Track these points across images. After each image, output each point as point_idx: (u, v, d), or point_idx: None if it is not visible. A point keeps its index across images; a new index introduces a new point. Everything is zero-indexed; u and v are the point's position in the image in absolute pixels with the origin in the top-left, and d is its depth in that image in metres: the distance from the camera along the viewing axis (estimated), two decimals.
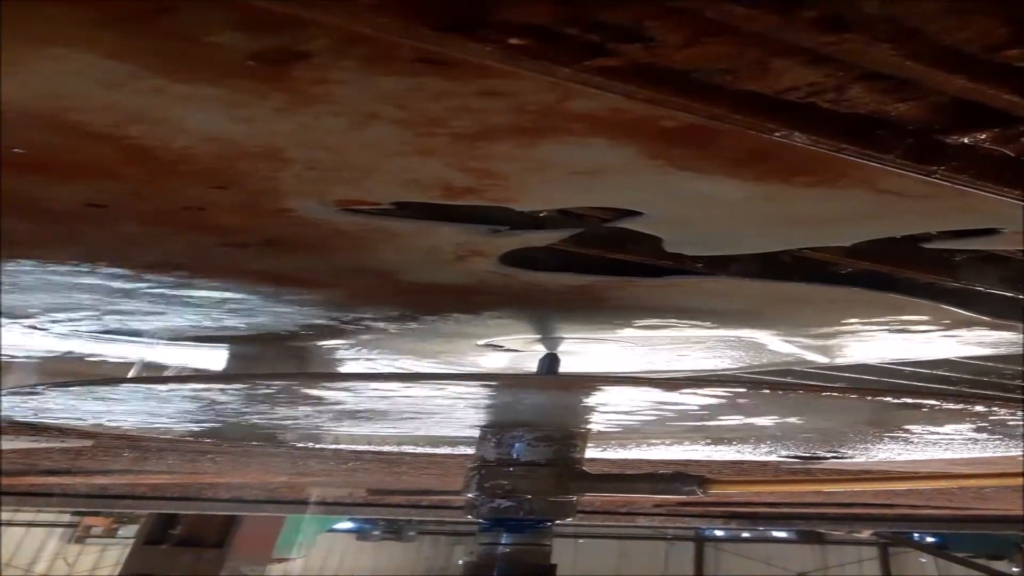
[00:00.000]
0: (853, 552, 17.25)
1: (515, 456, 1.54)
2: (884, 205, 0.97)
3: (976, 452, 1.71)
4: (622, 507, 6.28)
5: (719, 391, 1.29)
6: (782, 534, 16.33)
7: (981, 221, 1.06)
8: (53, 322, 1.58)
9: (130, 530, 12.24)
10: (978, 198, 0.89)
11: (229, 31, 0.65)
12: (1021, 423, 1.36)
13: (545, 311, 1.46)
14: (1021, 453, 1.68)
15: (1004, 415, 1.32)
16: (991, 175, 0.86)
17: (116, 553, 13.98)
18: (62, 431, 2.70)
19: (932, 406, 1.28)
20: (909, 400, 1.30)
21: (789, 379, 1.99)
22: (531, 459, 1.54)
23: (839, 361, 1.80)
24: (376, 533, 16.85)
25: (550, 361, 1.70)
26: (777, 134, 0.76)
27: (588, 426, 1.58)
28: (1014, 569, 13.64)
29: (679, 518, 7.37)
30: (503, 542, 1.51)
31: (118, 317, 1.53)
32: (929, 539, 13.47)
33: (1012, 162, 0.85)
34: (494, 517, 1.53)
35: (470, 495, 1.55)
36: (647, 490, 1.67)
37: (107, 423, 1.83)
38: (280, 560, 10.29)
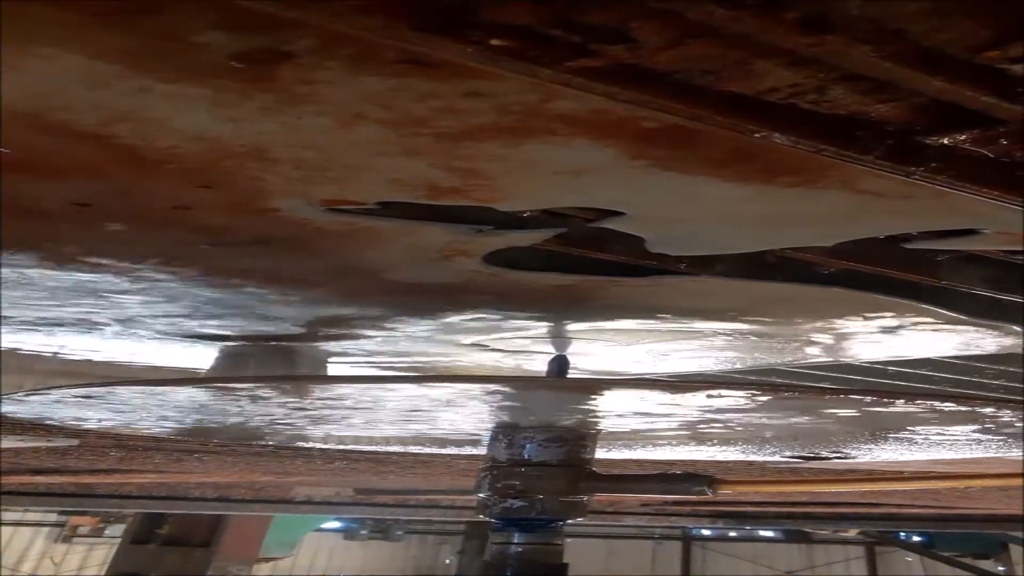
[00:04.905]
0: (840, 551, 17.29)
1: (526, 457, 1.55)
2: (864, 205, 0.98)
3: (979, 452, 1.72)
4: (609, 506, 6.28)
5: (729, 393, 1.29)
6: (769, 533, 16.36)
7: (962, 222, 1.06)
8: (42, 320, 1.58)
9: (117, 529, 12.21)
10: (958, 199, 0.90)
11: (214, 31, 0.66)
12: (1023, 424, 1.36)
13: (530, 311, 1.47)
14: (1021, 453, 1.68)
15: (1010, 417, 1.32)
16: (971, 176, 0.86)
17: (103, 552, 13.95)
18: (54, 431, 2.70)
19: (945, 408, 1.28)
20: (921, 402, 1.30)
21: (773, 379, 2.00)
22: (543, 459, 1.55)
23: (823, 361, 1.81)
24: (363, 532, 16.83)
25: (559, 363, 1.70)
26: (758, 135, 0.77)
27: (598, 427, 1.58)
28: (999, 568, 13.68)
29: (666, 517, 7.38)
30: (515, 541, 1.52)
31: (105, 316, 1.53)
32: (915, 538, 13.50)
33: (992, 163, 0.86)
34: (506, 517, 1.53)
35: (482, 495, 1.56)
36: (658, 490, 1.68)
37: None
38: (267, 559, 10.27)
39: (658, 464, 2.55)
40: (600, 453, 1.62)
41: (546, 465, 1.54)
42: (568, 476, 1.55)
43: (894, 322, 1.50)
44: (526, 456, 1.55)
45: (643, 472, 1.85)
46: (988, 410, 1.31)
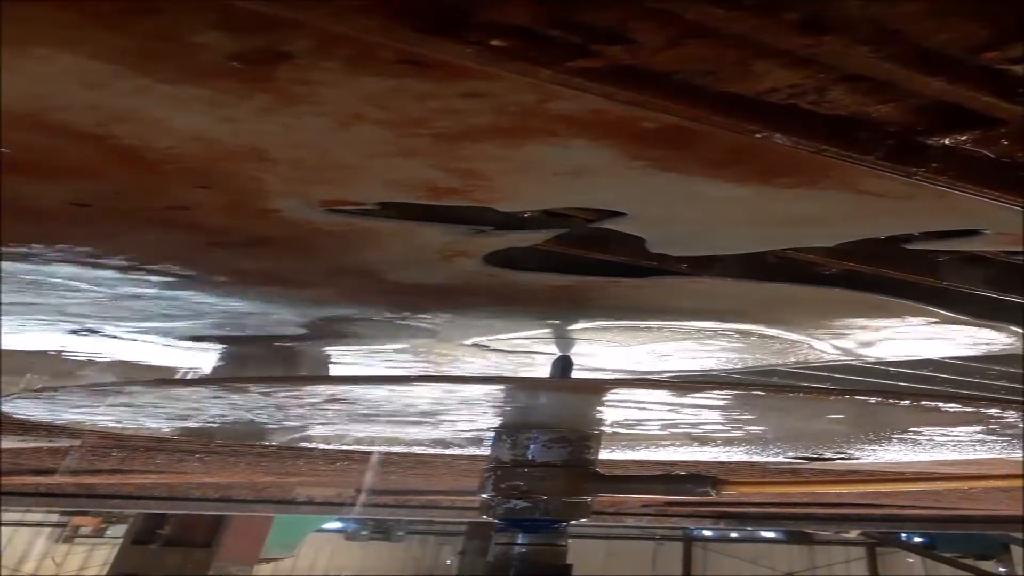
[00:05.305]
0: (841, 552, 17.29)
1: (530, 457, 1.55)
2: (865, 206, 0.97)
3: (982, 454, 1.72)
4: (610, 507, 6.28)
5: (732, 394, 1.29)
6: (770, 534, 16.37)
7: (963, 222, 1.06)
8: (36, 321, 1.58)
9: (118, 530, 12.22)
10: (959, 199, 0.90)
11: (213, 31, 0.65)
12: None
13: (530, 311, 1.46)
14: (1022, 454, 1.68)
15: (1014, 418, 1.32)
16: (972, 177, 0.86)
17: (104, 553, 13.96)
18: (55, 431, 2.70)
19: (951, 409, 1.28)
20: (927, 403, 1.30)
21: (775, 379, 2.00)
22: (547, 460, 1.55)
23: (822, 361, 1.81)
24: (364, 533, 16.85)
25: (563, 364, 1.70)
26: (759, 135, 0.77)
27: (602, 427, 1.58)
28: (1001, 569, 13.68)
29: (667, 518, 7.38)
30: (519, 542, 1.52)
31: (103, 316, 1.53)
32: (917, 539, 13.50)
33: (992, 164, 0.86)
34: (510, 518, 1.53)
35: (486, 496, 1.56)
36: (662, 491, 1.67)
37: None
38: (268, 560, 10.29)
39: (661, 465, 2.55)
40: (603, 454, 1.62)
41: (550, 466, 1.55)
42: (572, 477, 1.55)
43: (895, 323, 1.50)
44: (530, 457, 1.55)
45: (647, 473, 1.85)
46: (993, 411, 1.31)
